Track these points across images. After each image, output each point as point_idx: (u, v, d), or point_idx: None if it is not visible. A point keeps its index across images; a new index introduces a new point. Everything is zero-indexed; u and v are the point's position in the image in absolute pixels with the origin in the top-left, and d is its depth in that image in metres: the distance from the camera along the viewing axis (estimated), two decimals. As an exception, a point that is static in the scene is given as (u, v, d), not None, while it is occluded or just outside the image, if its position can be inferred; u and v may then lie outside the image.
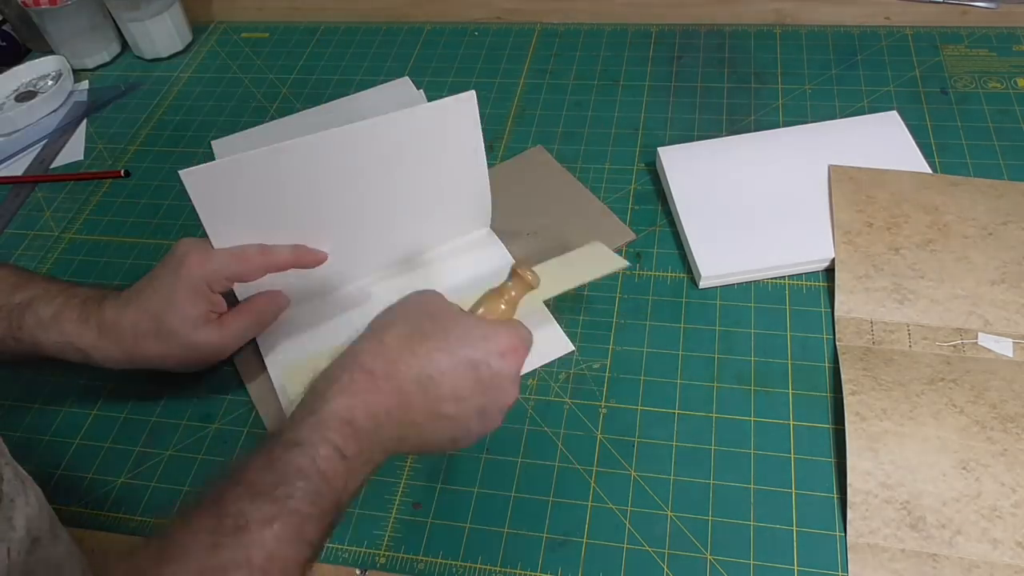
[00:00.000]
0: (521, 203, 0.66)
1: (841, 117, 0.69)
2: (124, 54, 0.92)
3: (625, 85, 0.76)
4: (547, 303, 0.58)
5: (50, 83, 0.86)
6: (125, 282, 0.66)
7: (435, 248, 0.62)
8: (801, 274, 0.59)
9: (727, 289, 0.59)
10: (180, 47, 0.89)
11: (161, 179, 0.75)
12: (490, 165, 0.69)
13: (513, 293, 0.48)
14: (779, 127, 0.69)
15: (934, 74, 0.72)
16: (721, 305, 0.58)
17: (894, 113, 0.67)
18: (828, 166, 0.63)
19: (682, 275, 0.60)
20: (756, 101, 0.73)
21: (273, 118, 0.79)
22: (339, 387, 0.41)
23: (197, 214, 0.51)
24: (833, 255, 0.58)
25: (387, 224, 0.58)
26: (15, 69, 0.87)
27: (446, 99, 0.54)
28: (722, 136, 0.69)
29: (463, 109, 0.55)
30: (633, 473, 0.50)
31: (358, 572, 0.49)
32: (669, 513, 0.49)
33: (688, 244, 0.60)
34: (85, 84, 0.88)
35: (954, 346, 0.53)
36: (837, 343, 0.54)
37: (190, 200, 0.51)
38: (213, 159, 0.72)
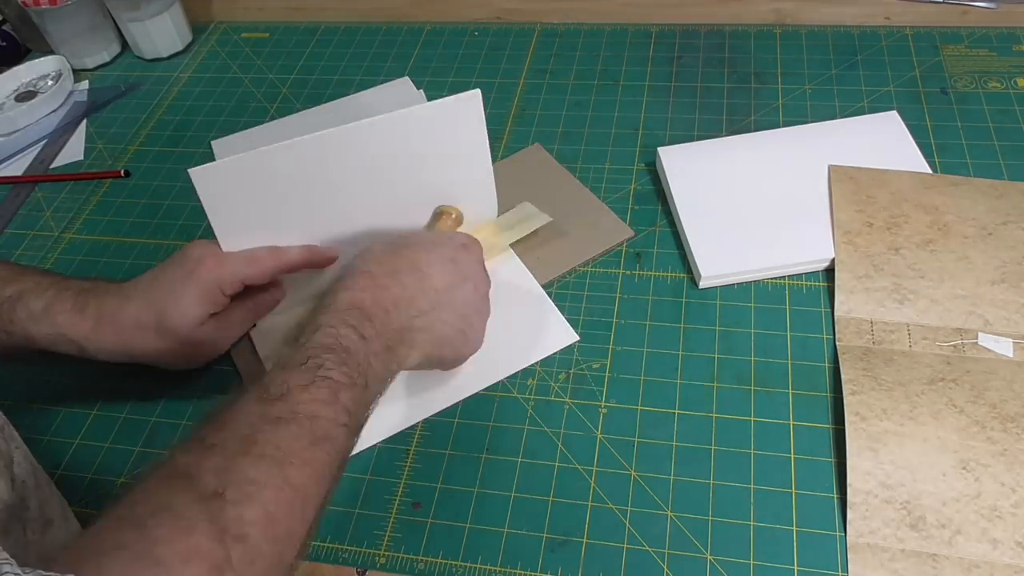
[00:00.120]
0: (520, 201, 0.66)
1: (841, 117, 0.69)
2: (124, 54, 0.92)
3: (625, 85, 0.76)
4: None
5: (50, 83, 0.86)
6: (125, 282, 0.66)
7: None
8: (801, 274, 0.59)
9: (727, 289, 0.59)
10: (180, 47, 0.89)
11: (161, 179, 0.75)
12: (490, 165, 0.69)
13: (454, 216, 0.58)
14: (779, 127, 0.69)
15: (934, 74, 0.72)
16: (721, 305, 0.58)
17: (894, 113, 0.67)
18: (828, 166, 0.63)
19: (682, 275, 0.60)
20: (756, 101, 0.73)
21: (273, 118, 0.79)
22: (344, 286, 0.46)
23: (198, 213, 0.52)
24: (833, 255, 0.58)
25: (393, 223, 0.58)
26: (15, 69, 0.87)
27: (452, 97, 0.54)
28: (722, 136, 0.69)
29: (469, 108, 0.55)
30: (633, 473, 0.50)
31: (358, 572, 0.49)
32: (669, 513, 0.49)
33: (688, 244, 0.60)
34: (85, 84, 0.88)
35: (954, 346, 0.53)
36: (837, 343, 0.54)
37: (192, 199, 0.51)
38: (213, 159, 0.73)
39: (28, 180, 0.78)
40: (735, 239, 0.60)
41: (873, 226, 0.59)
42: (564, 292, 0.60)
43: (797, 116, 0.70)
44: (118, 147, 0.80)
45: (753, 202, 0.62)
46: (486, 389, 0.56)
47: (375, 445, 0.54)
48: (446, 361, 0.52)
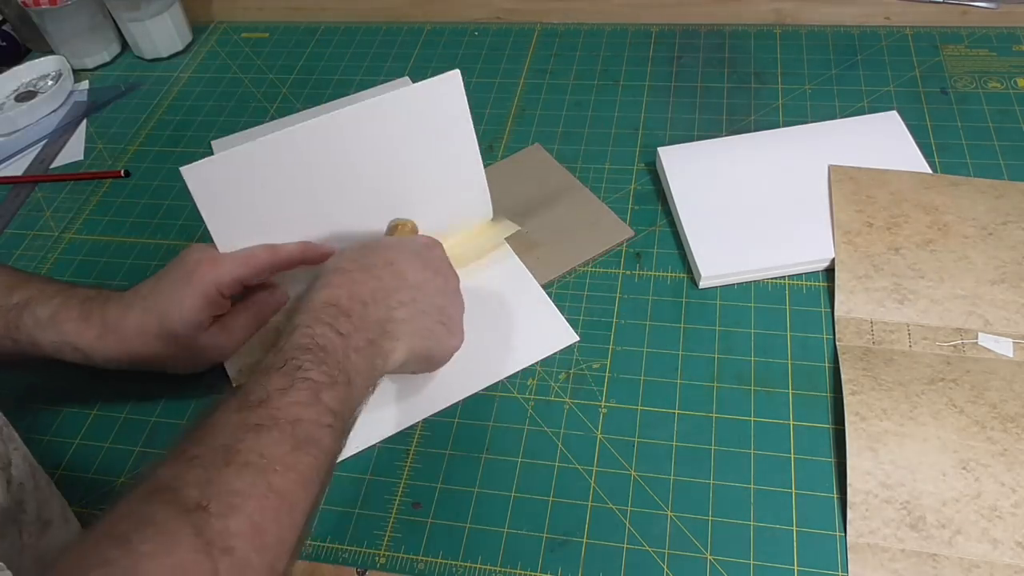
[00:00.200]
0: (520, 201, 0.66)
1: (841, 117, 0.69)
2: (124, 54, 0.92)
3: (625, 85, 0.76)
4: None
5: (50, 83, 0.86)
6: (125, 282, 0.66)
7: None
8: (801, 274, 0.59)
9: (727, 289, 0.59)
10: (180, 47, 0.89)
11: (161, 179, 0.75)
12: (489, 164, 0.69)
13: (409, 227, 0.58)
14: (779, 127, 0.69)
15: (934, 74, 0.72)
16: (721, 305, 0.58)
17: (894, 113, 0.67)
18: (828, 166, 0.63)
19: (682, 275, 0.60)
20: (756, 101, 0.73)
21: (273, 118, 0.79)
22: (318, 285, 0.46)
23: (198, 213, 0.52)
24: (833, 255, 0.58)
25: (386, 212, 0.58)
26: (15, 69, 0.87)
27: (432, 79, 0.54)
28: (722, 136, 0.69)
29: (449, 88, 0.55)
30: (633, 473, 0.51)
31: (358, 572, 0.49)
32: (669, 513, 0.49)
33: (688, 244, 0.60)
34: (85, 84, 0.88)
35: (954, 346, 0.53)
36: (837, 343, 0.54)
37: (192, 199, 0.51)
38: (213, 159, 0.73)
39: (28, 180, 0.78)
40: (735, 239, 0.60)
41: (873, 226, 0.59)
42: (564, 292, 0.60)
43: (797, 116, 0.70)
44: (118, 147, 0.80)
45: (753, 202, 0.62)
46: (486, 389, 0.56)
47: (375, 445, 0.54)
48: (433, 356, 0.51)
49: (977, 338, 0.53)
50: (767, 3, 0.82)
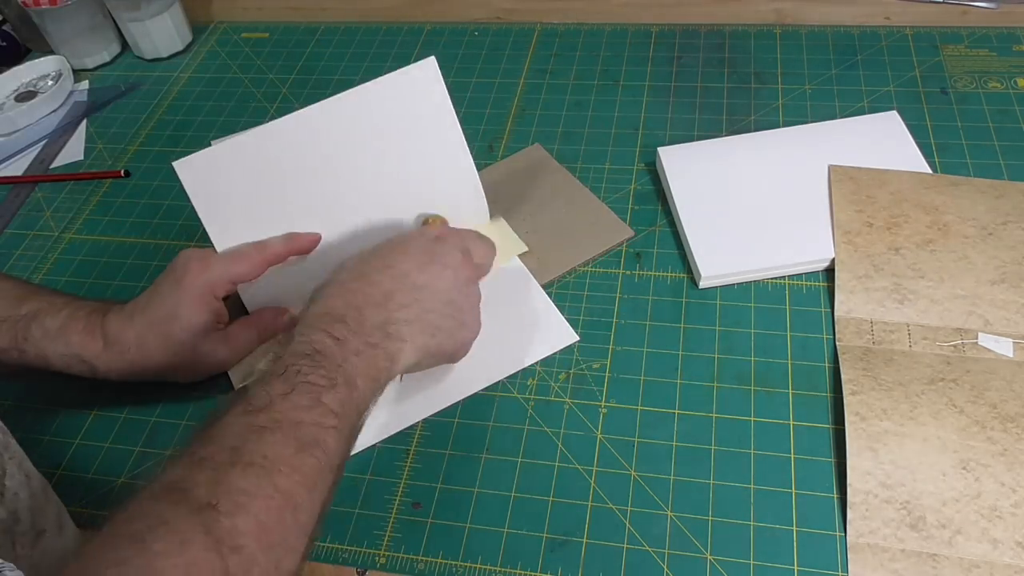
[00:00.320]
0: (520, 201, 0.66)
1: (841, 117, 0.69)
2: (124, 54, 0.92)
3: (625, 85, 0.76)
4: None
5: (50, 83, 0.86)
6: (125, 282, 0.66)
7: None
8: (801, 274, 0.59)
9: (727, 289, 0.59)
10: (180, 47, 0.89)
11: (161, 179, 0.75)
12: (489, 164, 0.69)
13: (438, 224, 0.59)
14: (779, 127, 0.69)
15: (934, 74, 0.72)
16: (721, 305, 0.58)
17: (894, 113, 0.67)
18: (828, 166, 0.63)
19: (682, 275, 0.60)
20: (756, 101, 0.72)
21: (273, 118, 0.78)
22: (316, 298, 0.47)
23: (194, 209, 0.52)
24: (833, 255, 0.58)
25: (378, 206, 0.58)
26: (15, 69, 0.87)
27: (408, 67, 0.55)
28: (722, 136, 0.69)
29: (426, 75, 0.55)
30: (633, 473, 0.50)
31: (358, 572, 0.49)
32: (669, 513, 0.49)
33: (688, 244, 0.60)
34: (85, 84, 0.88)
35: (954, 346, 0.53)
36: (837, 343, 0.54)
37: (186, 194, 0.51)
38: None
39: (28, 180, 0.78)
40: (735, 239, 0.60)
41: (873, 226, 0.59)
42: (564, 292, 0.60)
43: (797, 116, 0.70)
44: (118, 147, 0.80)
45: (753, 202, 0.62)
46: (486, 389, 0.56)
47: (375, 445, 0.54)
48: (446, 350, 0.51)
49: (977, 338, 0.53)
50: (767, 3, 0.82)
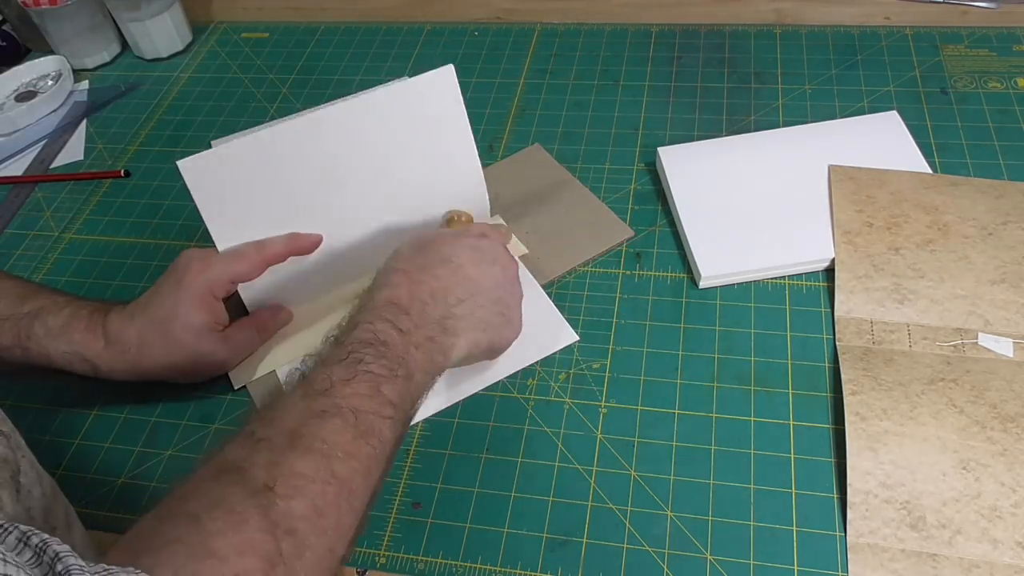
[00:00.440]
0: (520, 201, 0.66)
1: (841, 117, 0.69)
2: (124, 54, 0.92)
3: (625, 85, 0.76)
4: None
5: (50, 83, 0.86)
6: (125, 282, 0.66)
7: None
8: (801, 274, 0.59)
9: (727, 289, 0.59)
10: (180, 47, 0.89)
11: (161, 179, 0.75)
12: (489, 164, 0.69)
13: (464, 220, 0.59)
14: (779, 127, 0.69)
15: (934, 74, 0.72)
16: (721, 305, 0.58)
17: (894, 113, 0.67)
18: (828, 166, 0.63)
19: (682, 275, 0.60)
20: (756, 101, 0.73)
21: (273, 118, 0.79)
22: (380, 284, 0.47)
23: (198, 213, 0.52)
24: (833, 255, 0.58)
25: (385, 206, 0.58)
26: (15, 69, 0.87)
27: (427, 74, 0.54)
28: (722, 136, 0.69)
29: (443, 83, 0.55)
30: (633, 473, 0.50)
31: (358, 572, 0.49)
32: (669, 513, 0.49)
33: (688, 244, 0.60)
34: (85, 84, 0.88)
35: (954, 346, 0.53)
36: (837, 343, 0.54)
37: (189, 195, 0.51)
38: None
39: (28, 180, 0.78)
40: (735, 239, 0.60)
41: (873, 226, 0.59)
42: (564, 292, 0.60)
43: (797, 116, 0.70)
44: (118, 147, 0.80)
45: (753, 202, 0.62)
46: (486, 389, 0.56)
47: (375, 445, 0.54)
48: (493, 347, 0.52)
49: (977, 338, 0.53)
50: (767, 3, 0.82)
